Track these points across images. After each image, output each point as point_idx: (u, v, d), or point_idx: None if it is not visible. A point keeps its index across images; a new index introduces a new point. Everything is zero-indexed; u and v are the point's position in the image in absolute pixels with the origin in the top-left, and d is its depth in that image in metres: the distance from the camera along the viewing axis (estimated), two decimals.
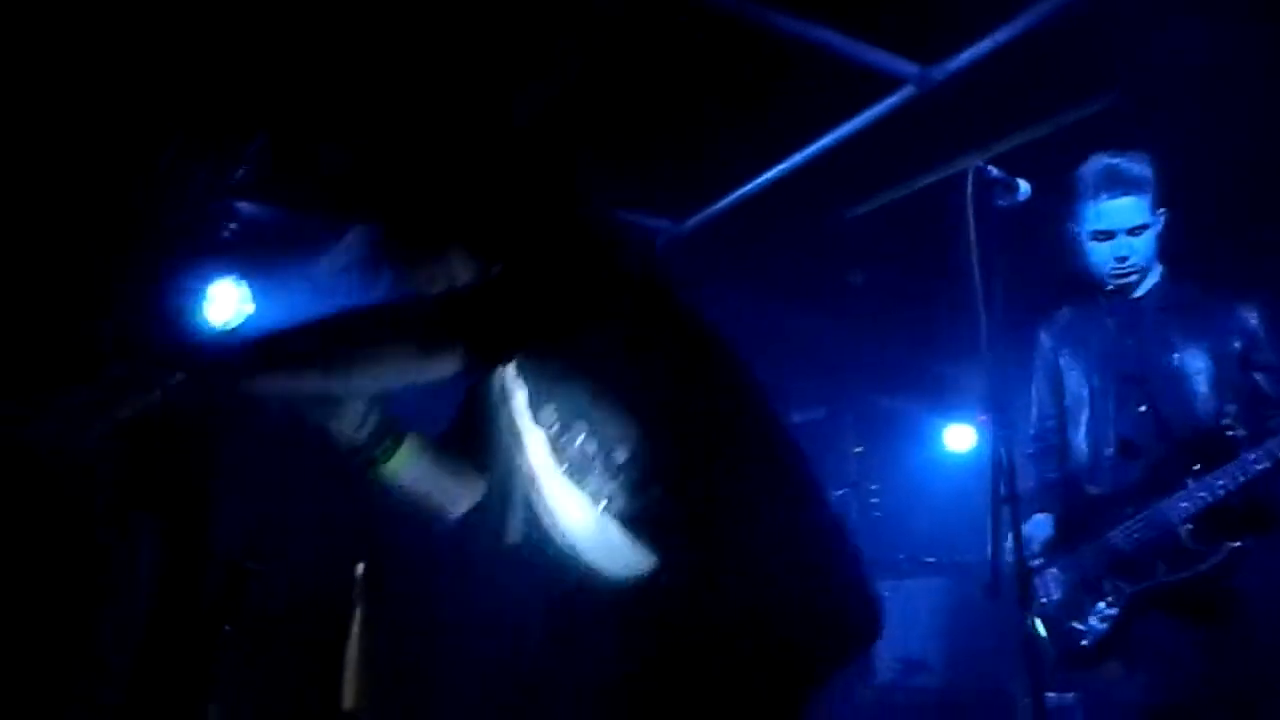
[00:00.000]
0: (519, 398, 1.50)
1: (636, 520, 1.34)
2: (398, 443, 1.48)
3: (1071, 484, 2.58)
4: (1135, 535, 2.37)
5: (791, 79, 2.96)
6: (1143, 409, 2.43)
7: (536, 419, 1.47)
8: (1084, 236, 2.50)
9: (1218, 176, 3.13)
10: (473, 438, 1.59)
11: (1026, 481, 2.64)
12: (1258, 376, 2.38)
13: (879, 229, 3.88)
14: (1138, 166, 2.43)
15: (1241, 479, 2.24)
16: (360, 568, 3.49)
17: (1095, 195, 2.44)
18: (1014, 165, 2.17)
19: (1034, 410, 2.74)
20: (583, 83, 2.88)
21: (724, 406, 1.44)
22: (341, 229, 3.76)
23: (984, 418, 3.48)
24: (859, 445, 5.22)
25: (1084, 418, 2.56)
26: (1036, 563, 2.50)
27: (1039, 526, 2.55)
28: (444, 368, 1.28)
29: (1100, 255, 2.48)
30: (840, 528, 1.50)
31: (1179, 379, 2.41)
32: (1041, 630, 2.52)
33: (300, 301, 3.86)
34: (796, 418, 5.55)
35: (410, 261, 1.50)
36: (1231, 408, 2.35)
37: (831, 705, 4.59)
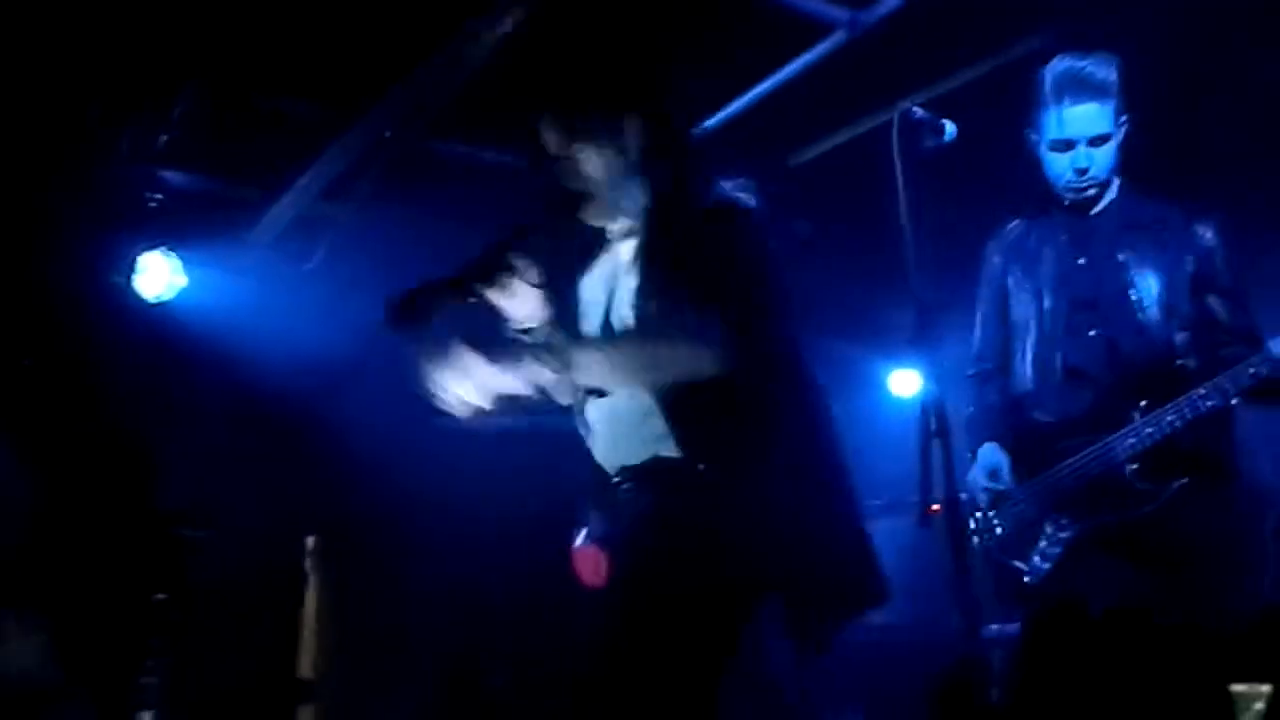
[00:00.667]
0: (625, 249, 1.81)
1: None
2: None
3: (1016, 409, 2.47)
4: (1080, 471, 2.29)
5: (725, 27, 2.94)
6: (1092, 334, 2.34)
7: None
8: (1043, 146, 2.37)
9: (1176, 88, 3.08)
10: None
11: (965, 407, 2.55)
12: (1211, 300, 2.30)
13: (823, 176, 3.89)
14: (1103, 70, 2.30)
15: (1189, 415, 2.17)
16: (311, 540, 3.47)
17: (1058, 101, 2.30)
18: (951, 109, 2.19)
19: (976, 331, 2.62)
20: (520, 31, 2.83)
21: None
22: (272, 198, 3.69)
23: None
24: None
25: (1030, 340, 2.45)
26: (997, 487, 2.40)
27: (990, 454, 2.44)
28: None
29: (1059, 166, 2.35)
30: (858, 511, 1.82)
31: (1131, 304, 2.31)
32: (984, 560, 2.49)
33: (235, 274, 3.79)
34: None
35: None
36: (1182, 335, 2.27)
37: (778, 646, 4.68)
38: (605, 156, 1.77)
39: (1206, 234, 2.33)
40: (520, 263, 1.82)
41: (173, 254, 3.48)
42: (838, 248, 4.48)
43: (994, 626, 3.14)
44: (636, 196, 1.83)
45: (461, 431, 1.92)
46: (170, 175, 3.46)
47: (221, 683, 2.91)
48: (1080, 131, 2.30)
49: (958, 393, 2.40)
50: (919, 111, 2.12)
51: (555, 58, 1.86)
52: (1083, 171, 2.33)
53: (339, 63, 3.05)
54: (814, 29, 2.98)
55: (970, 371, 2.64)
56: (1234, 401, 2.16)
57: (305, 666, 3.21)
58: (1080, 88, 2.29)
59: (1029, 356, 2.45)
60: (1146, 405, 2.23)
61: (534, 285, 1.83)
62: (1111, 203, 2.40)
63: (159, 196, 3.41)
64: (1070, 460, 2.31)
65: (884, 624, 4.29)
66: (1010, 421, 2.47)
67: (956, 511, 1.93)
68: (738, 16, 2.86)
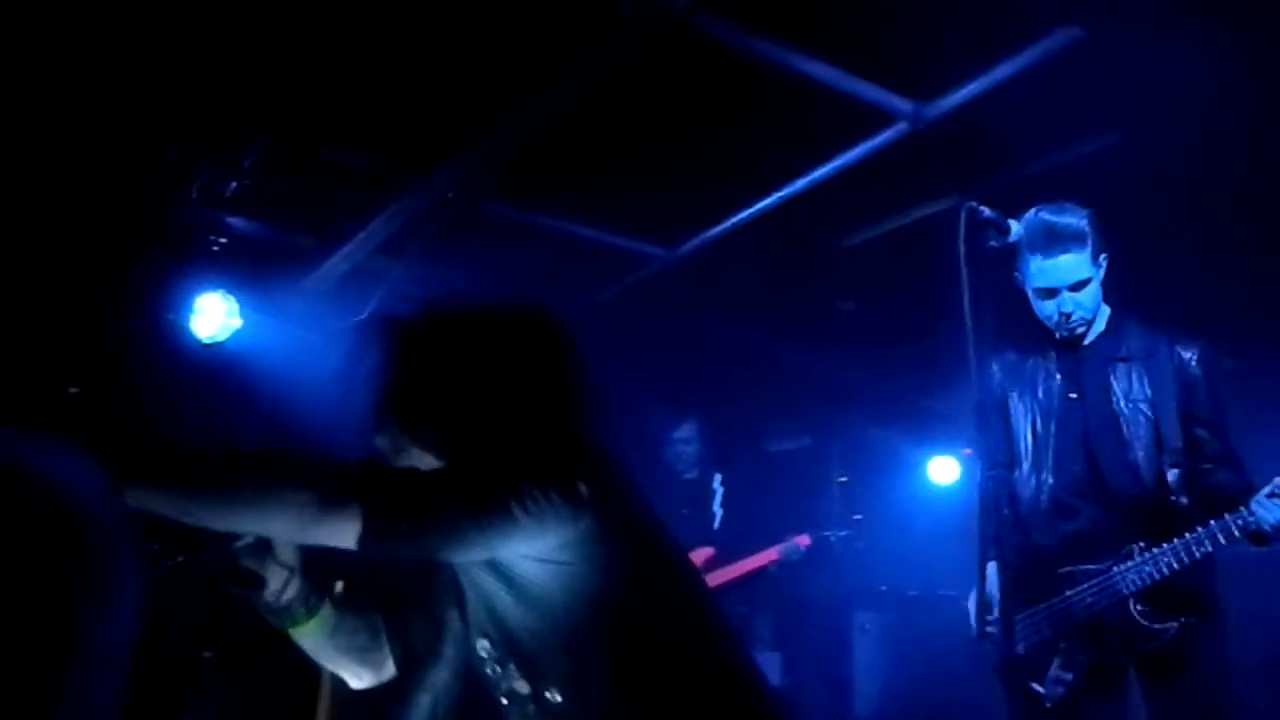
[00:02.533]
0: (454, 614, 1.46)
1: None
2: (310, 614, 1.42)
3: (1019, 528, 2.53)
4: (1088, 602, 2.39)
5: (788, 111, 2.98)
6: (1078, 469, 2.46)
7: (472, 636, 1.43)
8: (1029, 290, 2.49)
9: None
10: (414, 609, 1.51)
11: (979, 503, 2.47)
12: (1198, 431, 2.40)
13: (870, 261, 3.90)
14: (1075, 221, 2.40)
15: (1186, 560, 2.27)
16: (339, 584, 3.45)
17: (1034, 252, 2.41)
18: (1006, 203, 2.20)
19: (987, 434, 2.53)
20: (584, 106, 2.88)
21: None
22: (329, 248, 3.76)
23: (968, 451, 3.46)
24: (843, 475, 5.23)
25: (1026, 464, 2.55)
26: (990, 619, 2.42)
27: (991, 579, 2.38)
28: (338, 532, 1.18)
29: (1046, 310, 2.47)
30: None
31: (1121, 440, 2.42)
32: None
33: (286, 319, 3.84)
34: (782, 446, 5.56)
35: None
36: (1174, 473, 2.37)
37: None
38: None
39: (1191, 362, 2.43)
40: None
41: (230, 297, 3.54)
42: (880, 333, 4.48)
43: None
44: None
45: None
46: (235, 221, 3.54)
47: None
48: (1060, 280, 2.41)
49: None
50: (986, 211, 2.13)
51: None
52: (1067, 315, 2.44)
53: (404, 120, 3.12)
54: (877, 118, 3.01)
55: (989, 472, 2.55)
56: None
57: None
58: (1054, 240, 2.38)
59: (1024, 477, 2.55)
60: (1145, 544, 2.33)
61: None
62: (1099, 336, 2.51)
63: (222, 241, 3.48)
64: (1078, 589, 2.41)
65: (902, 717, 4.17)
66: (1013, 540, 2.51)
67: (1010, 625, 1.87)
68: (805, 101, 2.89)
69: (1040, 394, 2.54)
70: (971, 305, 1.97)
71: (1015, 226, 2.13)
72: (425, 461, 1.40)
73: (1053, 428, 2.50)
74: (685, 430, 4.39)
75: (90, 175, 3.18)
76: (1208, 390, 2.42)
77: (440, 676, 1.45)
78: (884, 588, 4.66)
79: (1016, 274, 2.50)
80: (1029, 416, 2.56)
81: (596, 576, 1.31)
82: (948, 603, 4.23)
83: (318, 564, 1.43)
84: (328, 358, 1.60)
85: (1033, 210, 2.44)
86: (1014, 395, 2.60)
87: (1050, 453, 2.50)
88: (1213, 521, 2.26)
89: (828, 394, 4.98)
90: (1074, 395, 2.49)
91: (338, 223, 3.60)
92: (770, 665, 4.80)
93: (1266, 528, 2.20)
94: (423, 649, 1.47)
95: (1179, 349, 2.44)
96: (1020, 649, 2.46)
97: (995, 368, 2.62)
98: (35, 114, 2.88)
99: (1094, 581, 2.39)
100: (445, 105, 3.00)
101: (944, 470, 4.81)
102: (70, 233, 3.31)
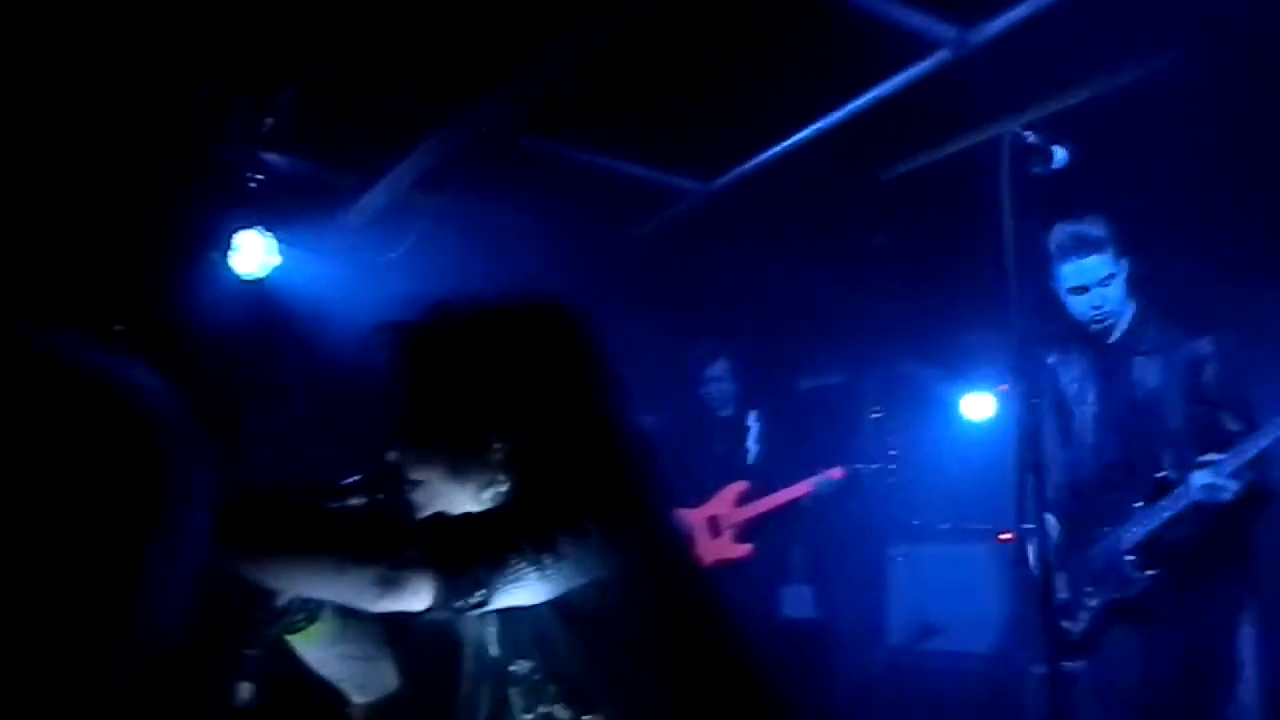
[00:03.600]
0: (491, 631, 1.38)
1: None
2: (310, 620, 1.34)
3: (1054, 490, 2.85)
4: (1100, 557, 2.85)
5: (828, 40, 2.92)
6: (1106, 448, 2.90)
7: (507, 660, 1.36)
8: (1063, 292, 2.86)
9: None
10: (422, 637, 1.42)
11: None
12: (1208, 412, 2.77)
13: (909, 193, 3.84)
14: (1095, 229, 2.80)
15: (1153, 522, 2.73)
16: None
17: (1065, 258, 2.82)
18: (1052, 133, 2.16)
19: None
20: (619, 37, 2.85)
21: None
22: (366, 184, 3.77)
23: (1005, 387, 3.48)
24: (877, 410, 5.22)
25: (1069, 443, 2.98)
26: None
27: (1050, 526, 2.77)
28: (410, 602, 1.17)
29: (1079, 307, 2.85)
30: None
31: (1134, 424, 2.84)
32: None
33: (324, 255, 3.88)
34: (816, 382, 5.56)
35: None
36: (1168, 453, 2.78)
37: (844, 666, 4.64)
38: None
39: (1203, 349, 2.80)
40: None
41: (269, 233, 3.57)
42: (915, 267, 4.43)
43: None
44: None
45: None
46: (271, 158, 3.55)
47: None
48: (1089, 278, 2.81)
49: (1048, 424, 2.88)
50: (1030, 135, 2.09)
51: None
52: (1099, 307, 2.83)
53: (440, 55, 3.10)
54: (920, 45, 2.95)
55: (1031, 400, 2.74)
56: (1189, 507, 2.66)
57: None
58: (1080, 246, 2.79)
59: (1053, 457, 2.91)
60: (1139, 508, 2.79)
61: None
62: (1124, 333, 2.89)
63: (259, 177, 3.50)
64: (1097, 545, 2.87)
65: (948, 650, 4.23)
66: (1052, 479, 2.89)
67: (1045, 544, 1.90)
68: (843, 30, 2.84)
69: (1075, 385, 2.95)
70: (1013, 233, 1.96)
71: (1059, 153, 2.10)
72: (439, 476, 1.35)
73: (1087, 415, 2.92)
74: (719, 368, 4.39)
75: (129, 113, 3.20)
76: (1218, 373, 2.77)
77: (456, 690, 1.39)
78: (917, 521, 4.68)
79: (1050, 281, 2.87)
80: (1066, 405, 2.97)
81: (643, 595, 1.29)
82: (979, 536, 4.26)
83: None
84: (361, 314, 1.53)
85: (1057, 226, 2.83)
86: (1058, 380, 2.99)
87: (1088, 438, 2.92)
88: (1181, 486, 2.66)
89: (862, 330, 4.96)
90: (1102, 387, 2.91)
91: (373, 158, 3.60)
92: (803, 598, 4.87)
93: (1196, 497, 2.62)
94: (433, 662, 1.41)
95: (1193, 340, 2.81)
96: (1065, 594, 2.89)
97: (1046, 353, 3.01)
98: (74, 49, 2.89)
99: (1106, 540, 2.84)
100: (481, 39, 2.98)
101: (978, 406, 4.80)
102: (110, 171, 3.34)
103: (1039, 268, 2.81)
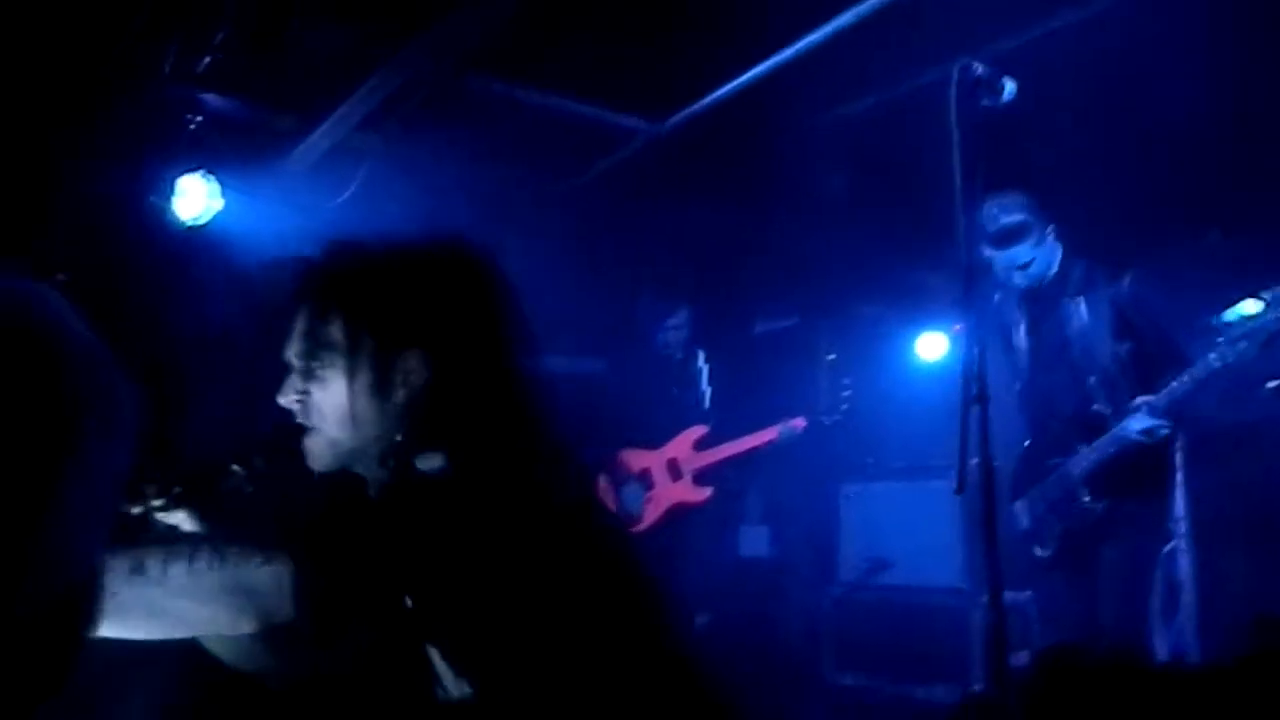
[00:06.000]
0: None
1: None
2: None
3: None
4: (1059, 485, 3.05)
5: None
6: (1041, 388, 3.10)
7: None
8: (997, 267, 3.08)
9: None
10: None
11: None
12: (1125, 346, 2.94)
13: (860, 132, 3.83)
14: (1017, 215, 2.98)
15: (1097, 457, 2.93)
16: None
17: (990, 245, 3.02)
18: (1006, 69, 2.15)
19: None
20: None
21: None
22: (308, 126, 3.67)
23: (958, 327, 3.56)
24: (831, 353, 5.26)
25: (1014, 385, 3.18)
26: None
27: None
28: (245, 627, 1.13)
29: (1008, 280, 3.10)
30: None
31: (1066, 361, 3.01)
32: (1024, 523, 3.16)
33: (268, 199, 3.78)
34: (770, 326, 5.58)
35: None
36: (1094, 381, 2.96)
37: (798, 603, 4.73)
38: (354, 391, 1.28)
39: (1124, 287, 2.98)
40: None
41: (211, 177, 3.47)
42: (869, 208, 4.43)
43: (1007, 593, 3.19)
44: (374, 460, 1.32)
45: None
46: (209, 98, 3.44)
47: None
48: (1012, 264, 3.04)
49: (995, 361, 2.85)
50: (979, 67, 2.09)
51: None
52: (1025, 284, 3.08)
53: None
54: None
55: (975, 332, 2.88)
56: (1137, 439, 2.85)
57: None
58: (1004, 239, 3.00)
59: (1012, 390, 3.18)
60: (1085, 445, 2.99)
61: None
62: (1053, 279, 3.07)
63: (199, 119, 3.39)
64: (1051, 477, 3.08)
65: (899, 585, 4.33)
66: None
67: (991, 477, 1.93)
68: None
69: (1014, 331, 3.15)
70: (963, 168, 1.96)
71: (1009, 85, 2.10)
72: (334, 425, 1.28)
73: (1024, 359, 3.13)
74: (678, 318, 4.40)
75: (57, 50, 3.07)
76: (1139, 306, 2.95)
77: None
78: (870, 460, 4.75)
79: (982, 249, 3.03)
80: (1007, 348, 3.16)
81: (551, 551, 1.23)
82: (933, 473, 4.34)
83: None
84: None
85: (986, 203, 2.92)
86: (1003, 324, 3.19)
87: (1025, 378, 3.14)
88: (1118, 424, 2.87)
89: (816, 272, 4.97)
90: (1036, 332, 3.10)
91: (315, 99, 3.50)
92: (759, 538, 4.94)
93: (1134, 439, 2.81)
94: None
95: (1115, 280, 2.98)
96: (1026, 522, 3.15)
97: (995, 290, 3.21)
98: None
99: (1058, 472, 3.05)
100: None
101: (932, 346, 4.85)
102: (44, 110, 3.22)
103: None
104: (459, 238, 1.36)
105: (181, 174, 3.45)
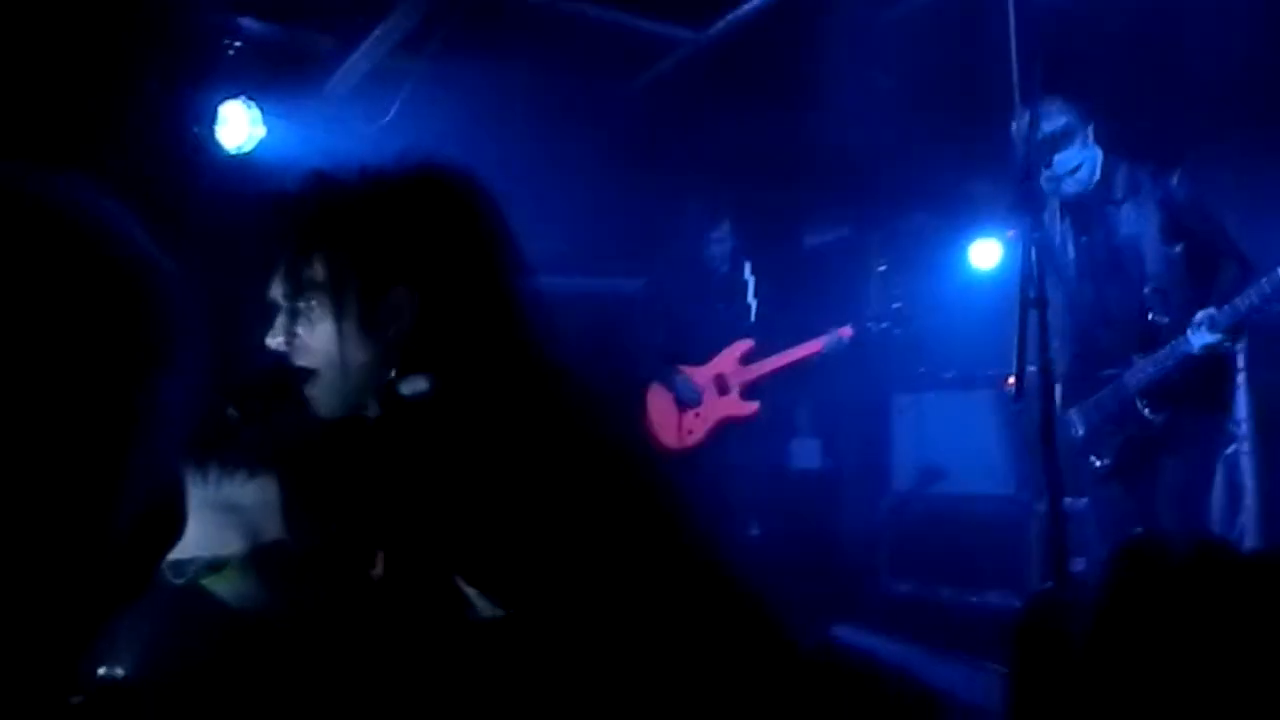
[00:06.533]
0: None
1: None
2: (219, 564, 1.26)
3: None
4: (1116, 397, 2.98)
5: None
6: (1089, 301, 3.02)
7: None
8: (1042, 178, 2.90)
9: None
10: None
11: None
12: (1179, 249, 2.84)
13: (912, 35, 3.69)
14: (1060, 120, 2.84)
15: (1154, 370, 2.85)
16: None
17: (1040, 152, 2.80)
18: None
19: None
20: None
21: None
22: (347, 49, 3.63)
23: (1013, 233, 3.48)
24: (882, 264, 5.18)
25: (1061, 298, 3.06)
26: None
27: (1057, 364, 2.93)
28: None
29: (1054, 188, 2.96)
30: None
31: (1116, 270, 2.93)
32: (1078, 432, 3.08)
33: (311, 125, 3.78)
34: (821, 238, 5.49)
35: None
36: (1151, 292, 2.88)
37: (851, 514, 4.77)
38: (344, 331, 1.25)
39: (1172, 186, 2.85)
40: None
41: (253, 104, 3.47)
42: (921, 113, 4.29)
43: (1066, 499, 3.18)
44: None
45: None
46: (247, 22, 3.42)
47: None
48: (1062, 169, 2.91)
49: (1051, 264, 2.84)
50: None
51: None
52: (1074, 190, 2.96)
53: None
54: None
55: (1033, 234, 2.83)
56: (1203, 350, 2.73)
57: None
58: (1051, 146, 2.86)
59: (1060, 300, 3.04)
60: (1141, 355, 2.89)
61: None
62: (1096, 184, 2.95)
63: (238, 44, 3.37)
64: (1108, 387, 2.99)
65: (952, 494, 4.33)
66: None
67: (1051, 382, 1.90)
68: None
69: (1060, 243, 3.04)
70: (1019, 57, 1.88)
71: None
72: (325, 363, 1.25)
73: (1072, 271, 3.03)
74: (722, 230, 4.35)
75: None
76: (1191, 205, 2.84)
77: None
78: (922, 369, 4.71)
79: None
80: (1054, 263, 3.00)
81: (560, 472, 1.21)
82: (984, 381, 4.29)
83: None
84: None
85: (1030, 116, 2.78)
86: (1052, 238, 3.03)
87: (1073, 289, 3.03)
88: (1178, 338, 2.77)
89: (867, 182, 4.86)
90: (1083, 239, 3.00)
91: (353, 20, 3.46)
92: (811, 450, 4.96)
93: (1196, 354, 2.71)
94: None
95: (1161, 179, 2.86)
96: (1081, 431, 3.07)
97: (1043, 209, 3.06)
98: None
99: (1115, 383, 2.97)
100: None
101: (986, 254, 4.74)
102: (85, 39, 3.22)
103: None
104: (438, 161, 1.31)
105: (223, 101, 3.45)
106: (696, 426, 4.22)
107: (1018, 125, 2.10)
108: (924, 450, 4.50)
